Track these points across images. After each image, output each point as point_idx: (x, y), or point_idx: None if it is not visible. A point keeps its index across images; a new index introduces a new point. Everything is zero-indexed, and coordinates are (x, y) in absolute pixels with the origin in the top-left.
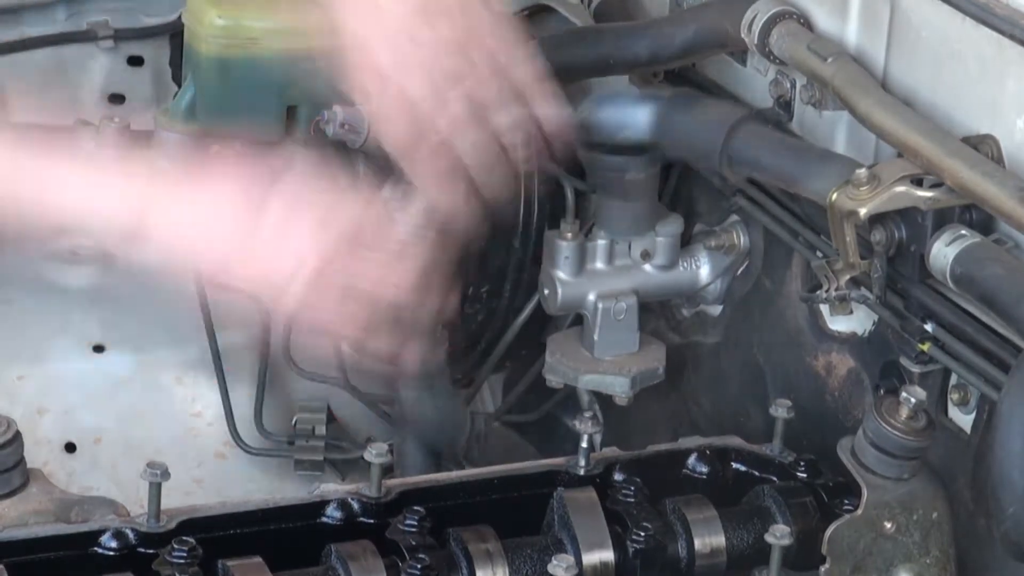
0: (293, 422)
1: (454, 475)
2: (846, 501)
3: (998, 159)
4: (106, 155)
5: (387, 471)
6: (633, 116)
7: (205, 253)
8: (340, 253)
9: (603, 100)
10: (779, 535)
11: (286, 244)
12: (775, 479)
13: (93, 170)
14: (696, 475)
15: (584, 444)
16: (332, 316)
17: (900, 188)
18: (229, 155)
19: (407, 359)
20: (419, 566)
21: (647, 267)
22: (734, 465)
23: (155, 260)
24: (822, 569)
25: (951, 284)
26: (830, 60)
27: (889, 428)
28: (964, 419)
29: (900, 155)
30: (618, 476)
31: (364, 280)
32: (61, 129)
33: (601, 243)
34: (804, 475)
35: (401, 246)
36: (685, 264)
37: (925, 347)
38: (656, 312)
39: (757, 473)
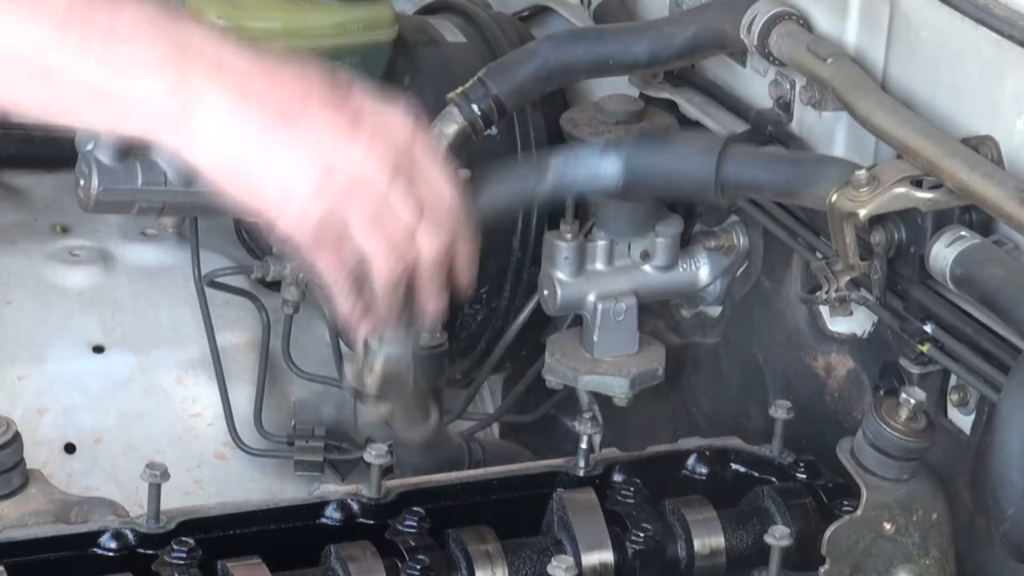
0: (293, 423)
1: (453, 476)
2: (845, 502)
3: (998, 160)
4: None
5: (386, 472)
6: (602, 169)
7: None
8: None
9: (567, 162)
10: (778, 536)
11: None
12: (774, 480)
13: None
14: (695, 476)
15: (583, 445)
16: (323, 255)
17: (900, 189)
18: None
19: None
20: (418, 567)
21: (647, 268)
22: (733, 466)
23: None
24: (821, 570)
25: (951, 285)
26: (829, 61)
27: (888, 429)
28: (963, 420)
29: (900, 156)
30: (617, 477)
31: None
32: None
33: (601, 244)
34: (803, 476)
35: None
36: (685, 265)
37: (925, 348)
38: (656, 313)
39: (756, 474)
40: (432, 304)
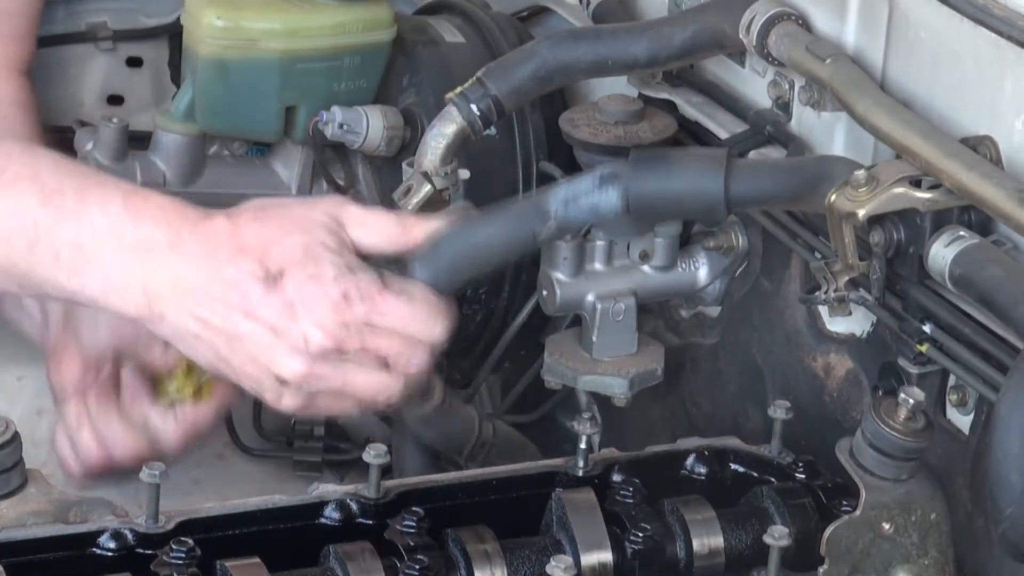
0: (292, 423)
1: (452, 476)
2: (844, 502)
3: (996, 160)
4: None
5: (385, 472)
6: (602, 202)
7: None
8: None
9: (568, 203)
10: (777, 536)
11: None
12: (773, 480)
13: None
14: (694, 476)
15: (583, 445)
16: (324, 409)
17: (898, 189)
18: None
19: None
20: (417, 567)
21: (646, 268)
22: (732, 466)
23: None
24: (820, 570)
25: (950, 285)
26: (828, 61)
27: (887, 429)
28: (962, 420)
29: (898, 156)
30: (616, 477)
31: (356, 388)
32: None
33: (600, 244)
34: (802, 476)
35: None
36: (684, 265)
37: (923, 348)
38: (655, 313)
39: (755, 474)
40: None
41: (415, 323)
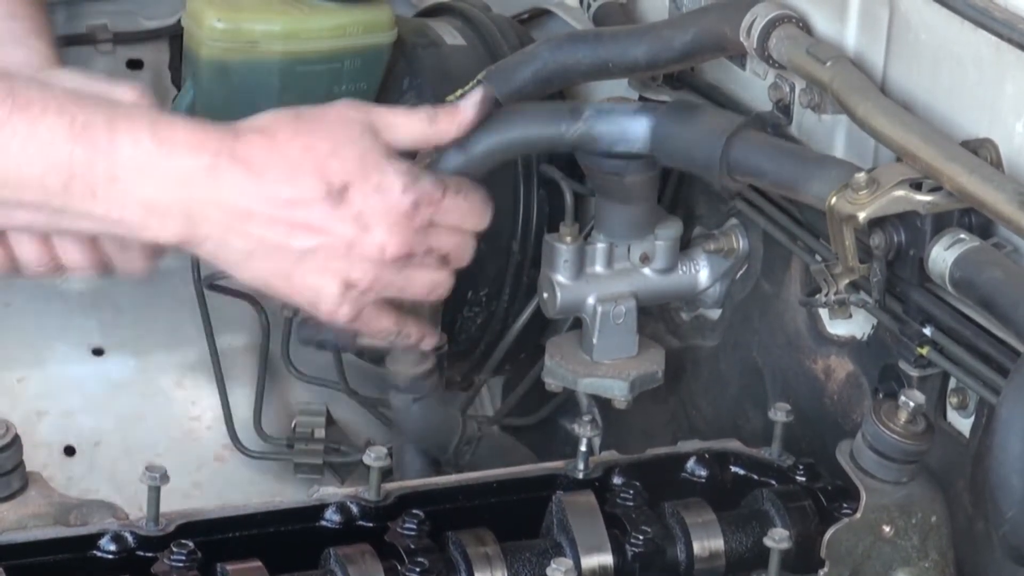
0: (292, 425)
1: (453, 479)
2: (845, 505)
3: (997, 163)
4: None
5: (386, 474)
6: (631, 128)
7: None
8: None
9: (601, 113)
10: (778, 539)
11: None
12: (774, 483)
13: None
14: (695, 479)
15: (583, 447)
16: (370, 321)
17: (899, 192)
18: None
19: (398, 361)
20: (418, 569)
21: (646, 270)
22: (733, 469)
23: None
24: (821, 573)
25: (950, 288)
26: (829, 64)
27: (888, 432)
28: (963, 423)
29: (899, 159)
30: (617, 480)
31: (409, 291)
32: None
33: (600, 246)
34: (803, 479)
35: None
36: (684, 267)
37: (924, 351)
38: (655, 315)
39: (756, 477)
40: None
41: (471, 217)
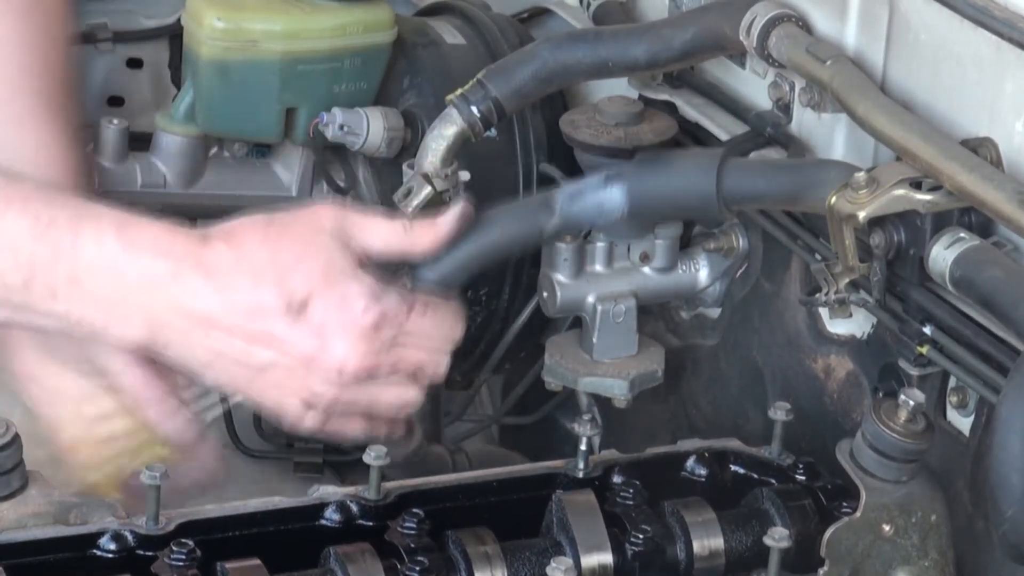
0: None
1: (453, 478)
2: (845, 504)
3: (997, 162)
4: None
5: (386, 474)
6: (606, 201)
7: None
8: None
9: (573, 196)
10: (778, 538)
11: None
12: (774, 482)
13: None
14: (695, 477)
15: (583, 446)
16: (341, 428)
17: (899, 191)
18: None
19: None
20: (418, 568)
21: (646, 269)
22: (733, 468)
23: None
24: (821, 572)
25: (950, 287)
26: (829, 63)
27: (888, 431)
28: (963, 422)
29: (899, 158)
30: (617, 478)
31: (378, 405)
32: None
33: (600, 245)
34: (803, 478)
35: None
36: (684, 266)
37: (924, 350)
38: (655, 314)
39: (756, 475)
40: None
41: (437, 331)
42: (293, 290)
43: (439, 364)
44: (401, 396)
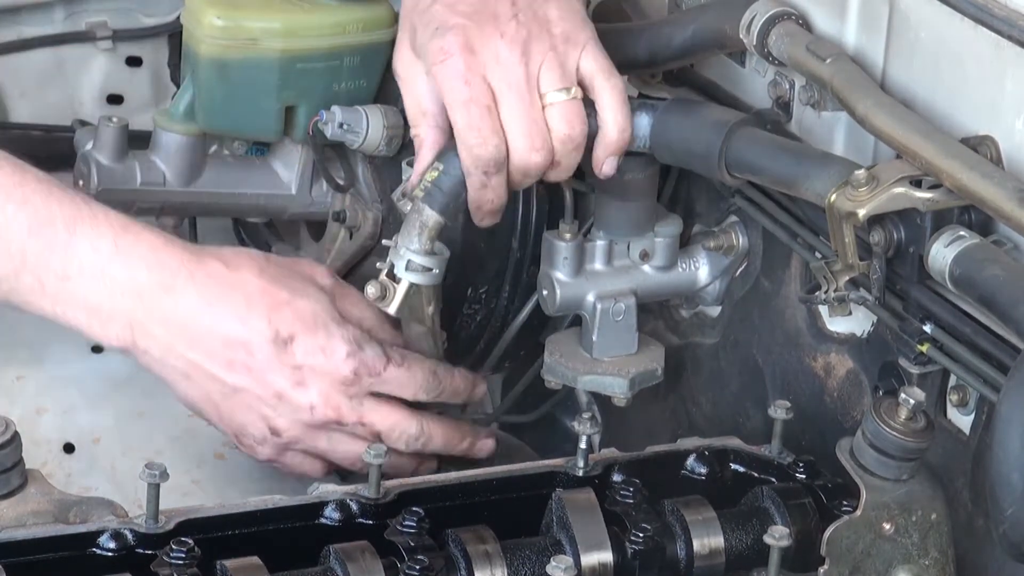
0: None
1: (452, 476)
2: (845, 502)
3: (997, 160)
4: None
5: (385, 472)
6: (635, 125)
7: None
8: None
9: None
10: (778, 536)
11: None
12: (774, 480)
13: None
14: (695, 476)
15: (583, 445)
16: (293, 465)
17: (899, 189)
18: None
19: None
20: (417, 567)
21: (646, 268)
22: (733, 466)
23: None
24: (821, 570)
25: (950, 285)
26: (829, 61)
27: (888, 429)
28: (963, 420)
29: (899, 156)
30: (617, 477)
31: (337, 455)
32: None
33: (600, 244)
34: (803, 476)
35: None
36: (684, 265)
37: (924, 348)
38: (655, 313)
39: (756, 474)
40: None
41: (411, 386)
42: (280, 325)
43: (407, 432)
44: (357, 449)
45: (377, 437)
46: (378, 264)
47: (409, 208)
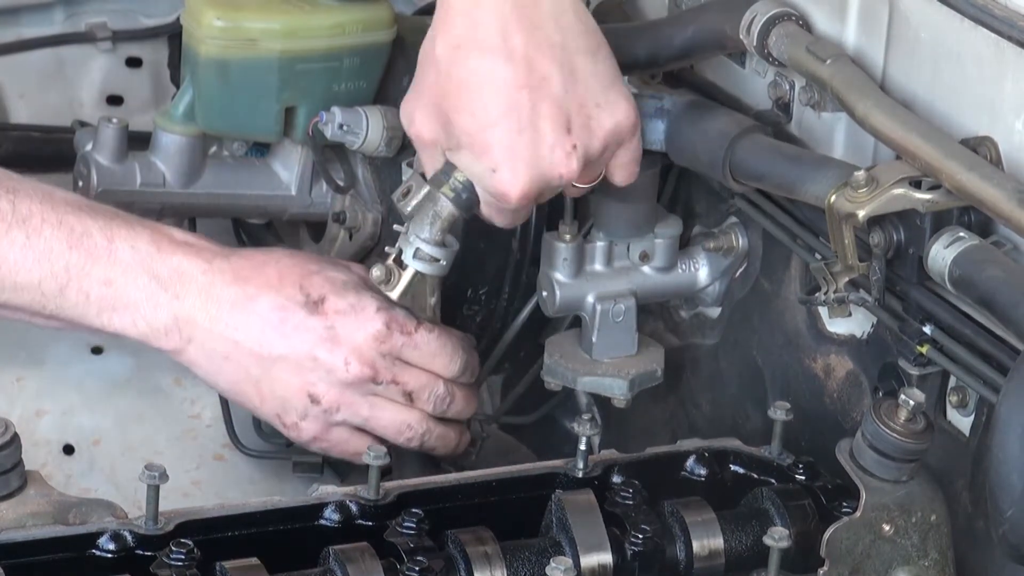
0: None
1: (452, 477)
2: (844, 503)
3: (996, 161)
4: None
5: (385, 473)
6: (650, 129)
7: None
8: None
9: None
10: (777, 537)
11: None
12: (773, 481)
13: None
14: (694, 477)
15: (582, 446)
16: (337, 443)
17: (898, 190)
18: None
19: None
20: (417, 568)
21: (646, 269)
22: (732, 467)
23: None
24: (820, 572)
25: (949, 286)
26: (829, 62)
27: (887, 430)
28: (963, 421)
29: (898, 157)
30: (616, 478)
31: (377, 423)
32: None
33: (600, 245)
34: (802, 477)
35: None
36: (684, 266)
37: (924, 349)
38: (655, 314)
39: (755, 475)
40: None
41: (442, 357)
42: (311, 289)
43: (437, 392)
44: (401, 419)
45: (409, 398)
46: (387, 248)
47: (413, 204)
